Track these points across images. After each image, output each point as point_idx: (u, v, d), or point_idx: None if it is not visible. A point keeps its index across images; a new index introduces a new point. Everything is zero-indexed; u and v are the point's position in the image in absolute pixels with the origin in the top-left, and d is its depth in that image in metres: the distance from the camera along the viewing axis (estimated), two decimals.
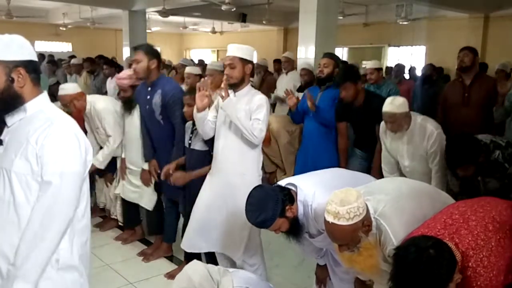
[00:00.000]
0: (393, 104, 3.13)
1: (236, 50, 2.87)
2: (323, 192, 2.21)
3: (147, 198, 3.79)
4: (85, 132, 3.82)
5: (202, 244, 3.03)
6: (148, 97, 3.41)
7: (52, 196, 1.55)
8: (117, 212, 4.25)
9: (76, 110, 3.78)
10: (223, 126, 2.92)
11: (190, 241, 3.06)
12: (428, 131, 3.17)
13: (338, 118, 3.92)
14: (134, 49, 3.39)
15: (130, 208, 4.01)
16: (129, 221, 4.13)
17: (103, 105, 3.86)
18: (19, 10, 11.85)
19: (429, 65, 7.66)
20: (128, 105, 3.66)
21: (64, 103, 3.76)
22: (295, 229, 2.31)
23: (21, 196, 1.57)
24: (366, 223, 1.94)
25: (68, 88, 3.88)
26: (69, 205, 1.60)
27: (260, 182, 2.98)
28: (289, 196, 2.28)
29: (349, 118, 3.91)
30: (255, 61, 3.80)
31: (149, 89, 3.41)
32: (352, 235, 1.91)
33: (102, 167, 3.93)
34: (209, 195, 2.99)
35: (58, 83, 4.81)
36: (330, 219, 1.89)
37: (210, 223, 2.97)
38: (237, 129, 2.83)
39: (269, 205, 2.19)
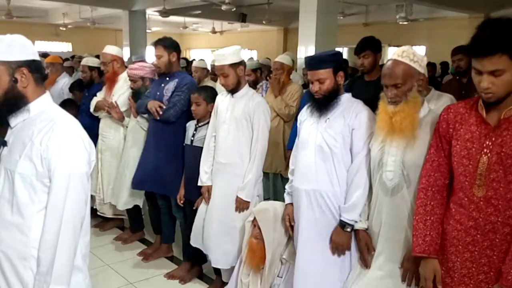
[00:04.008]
0: None
1: (223, 58, 2.85)
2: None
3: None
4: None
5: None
6: (162, 84, 3.40)
7: (62, 198, 1.56)
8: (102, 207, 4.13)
9: (112, 72, 3.88)
10: (223, 126, 2.93)
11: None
12: None
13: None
14: (154, 44, 3.38)
15: (133, 212, 3.99)
16: (134, 224, 4.12)
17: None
18: (19, 10, 11.86)
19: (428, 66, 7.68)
20: (136, 96, 3.63)
21: (104, 61, 3.91)
22: (331, 98, 2.35)
23: (25, 196, 1.57)
24: (422, 78, 2.04)
25: (112, 49, 3.97)
26: (80, 204, 1.61)
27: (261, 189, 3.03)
28: (345, 70, 2.43)
29: (359, 93, 3.82)
30: (255, 58, 3.73)
31: (167, 78, 3.40)
32: (408, 78, 2.00)
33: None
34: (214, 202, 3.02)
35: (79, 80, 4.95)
36: (394, 56, 2.02)
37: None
38: (237, 130, 2.87)
39: (329, 53, 2.40)
